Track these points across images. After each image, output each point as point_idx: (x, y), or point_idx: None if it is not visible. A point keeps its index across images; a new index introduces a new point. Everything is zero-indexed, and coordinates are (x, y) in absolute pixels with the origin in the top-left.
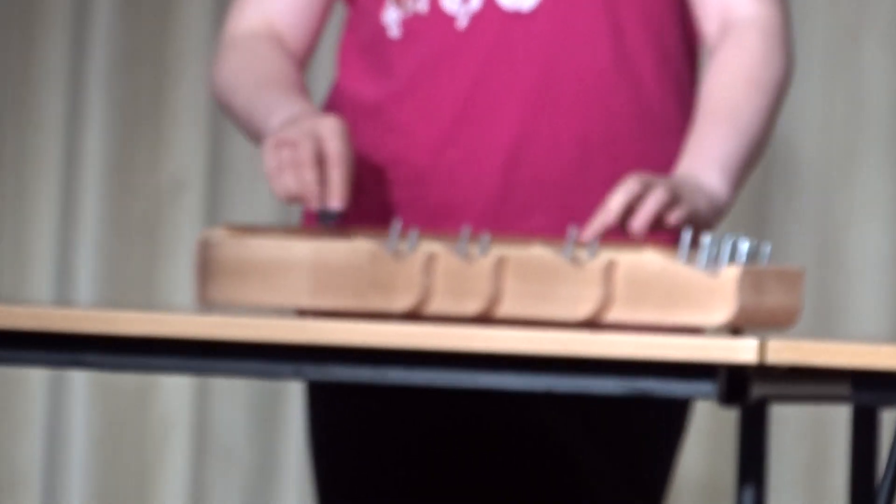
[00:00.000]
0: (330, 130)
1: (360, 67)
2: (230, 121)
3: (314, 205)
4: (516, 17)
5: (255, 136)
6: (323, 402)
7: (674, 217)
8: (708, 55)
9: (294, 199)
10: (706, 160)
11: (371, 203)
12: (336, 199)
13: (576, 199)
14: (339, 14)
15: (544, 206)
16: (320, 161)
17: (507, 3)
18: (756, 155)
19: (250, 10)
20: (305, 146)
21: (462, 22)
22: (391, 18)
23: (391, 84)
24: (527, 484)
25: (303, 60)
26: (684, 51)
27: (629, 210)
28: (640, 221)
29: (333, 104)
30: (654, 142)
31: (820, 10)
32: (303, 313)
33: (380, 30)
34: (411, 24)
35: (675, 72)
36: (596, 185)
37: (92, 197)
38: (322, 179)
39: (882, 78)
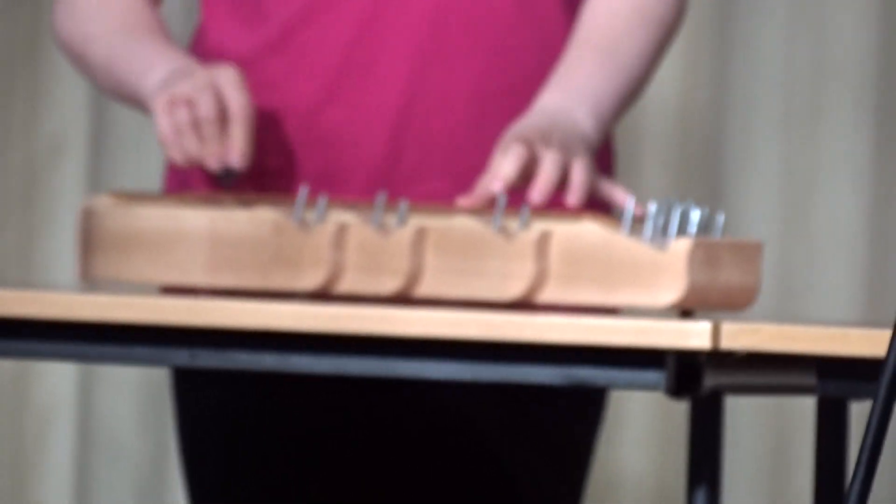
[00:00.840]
0: (229, 81)
1: (227, 14)
2: (83, 74)
3: (214, 165)
4: None
5: (126, 92)
6: (191, 388)
7: (577, 181)
8: None
9: (193, 162)
10: (578, 96)
11: (266, 172)
12: (237, 156)
13: (473, 159)
14: None
15: (438, 169)
16: (221, 117)
17: None
18: (631, 98)
19: None
20: (205, 101)
21: None
22: None
23: (263, 33)
24: (434, 476)
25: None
26: None
27: (523, 176)
28: (540, 193)
29: (195, 57)
30: None
31: None
32: (198, 292)
33: None
34: None
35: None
36: (494, 142)
37: None
38: (222, 137)
39: (846, 34)
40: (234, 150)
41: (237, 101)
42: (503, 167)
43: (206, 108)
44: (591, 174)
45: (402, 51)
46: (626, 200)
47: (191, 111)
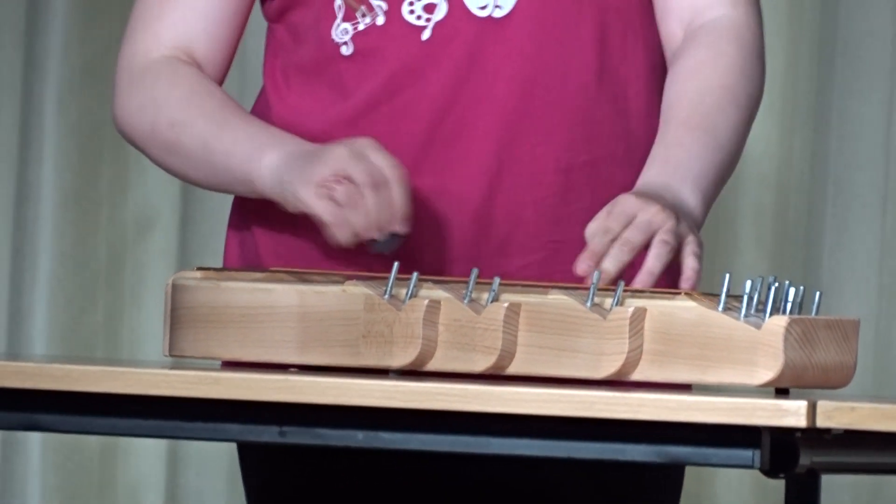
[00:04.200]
0: (371, 148)
1: (302, 92)
2: (167, 164)
3: (378, 235)
4: (489, 23)
5: (231, 179)
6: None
7: (690, 269)
8: (672, 57)
9: (360, 239)
10: (683, 175)
11: (326, 246)
12: (403, 220)
13: (561, 232)
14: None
15: (527, 244)
16: (376, 184)
17: (478, 7)
18: (727, 176)
19: (164, 32)
20: (359, 171)
21: (427, 32)
22: (341, 33)
23: (344, 108)
24: None
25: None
26: (661, 60)
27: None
28: (643, 284)
29: None
30: (639, 167)
31: None
32: (287, 368)
33: (327, 47)
34: (366, 38)
35: (658, 84)
36: (580, 216)
37: (46, 234)
38: (381, 204)
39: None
40: (398, 214)
41: (388, 164)
42: (607, 262)
43: (360, 176)
44: (701, 258)
45: (489, 123)
46: (687, 280)
47: (347, 187)
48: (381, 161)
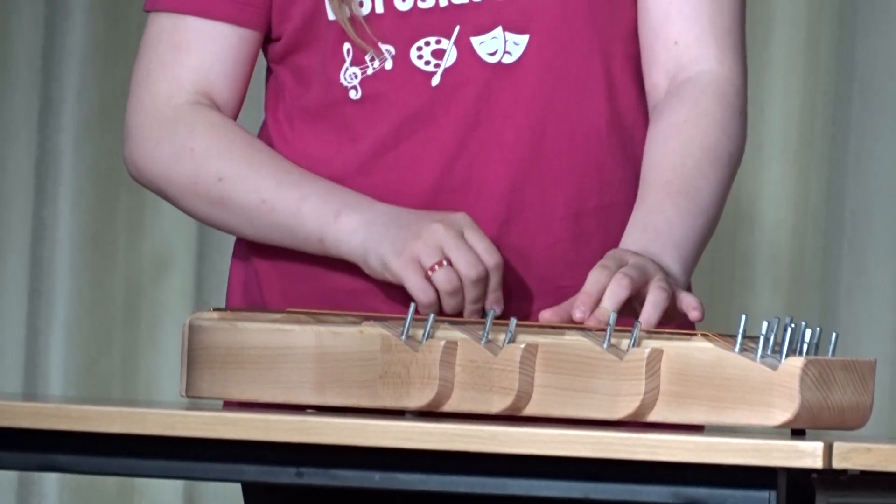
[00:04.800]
0: (471, 229)
1: (309, 135)
2: (205, 212)
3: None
4: (499, 69)
5: (294, 235)
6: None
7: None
8: (654, 109)
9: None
10: (664, 243)
11: (336, 290)
12: (499, 305)
13: (572, 277)
14: None
15: (537, 288)
16: (479, 279)
17: (488, 53)
18: (708, 238)
19: (183, 76)
20: (468, 262)
21: (436, 77)
22: (349, 77)
23: (353, 153)
24: None
25: None
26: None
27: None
28: (650, 320)
29: None
30: None
31: None
32: (304, 408)
33: (335, 91)
34: (375, 82)
35: None
36: (590, 262)
37: (63, 275)
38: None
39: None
40: (495, 301)
41: (487, 249)
42: (606, 300)
43: (470, 268)
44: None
45: (499, 169)
46: (694, 309)
47: (452, 276)
48: (481, 245)
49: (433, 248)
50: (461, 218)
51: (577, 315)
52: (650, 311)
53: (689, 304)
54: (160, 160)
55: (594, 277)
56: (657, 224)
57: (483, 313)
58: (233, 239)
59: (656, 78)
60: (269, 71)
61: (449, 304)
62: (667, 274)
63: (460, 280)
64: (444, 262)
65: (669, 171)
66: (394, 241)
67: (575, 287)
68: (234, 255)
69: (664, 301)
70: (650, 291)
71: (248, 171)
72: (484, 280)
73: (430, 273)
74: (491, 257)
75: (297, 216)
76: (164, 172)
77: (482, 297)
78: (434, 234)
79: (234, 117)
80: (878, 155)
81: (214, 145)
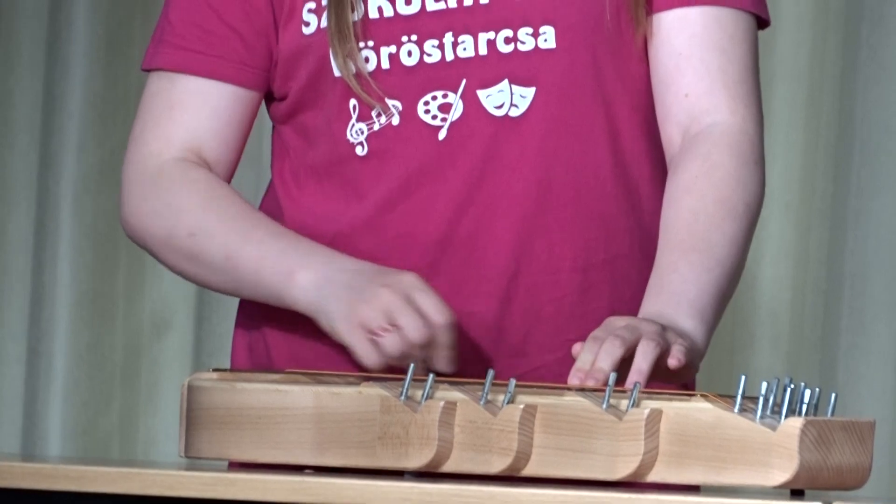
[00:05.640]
0: (419, 291)
1: (315, 193)
2: (184, 270)
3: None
4: (506, 122)
5: (262, 294)
6: None
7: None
8: (670, 163)
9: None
10: (679, 302)
11: (341, 347)
12: (447, 368)
13: (579, 332)
14: None
15: (544, 343)
16: (428, 343)
17: (495, 107)
18: (730, 290)
19: (174, 133)
20: (413, 327)
21: (443, 132)
22: (356, 133)
23: (360, 209)
24: None
25: None
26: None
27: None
28: (636, 378)
29: None
30: (651, 262)
31: None
32: (303, 469)
33: (341, 148)
34: (381, 138)
35: (664, 184)
36: (599, 315)
37: (62, 334)
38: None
39: None
40: (444, 360)
41: (436, 309)
42: (601, 360)
43: (414, 332)
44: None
45: (507, 222)
46: (673, 357)
47: (399, 340)
48: (429, 306)
49: (379, 313)
50: (410, 280)
51: (571, 382)
52: (639, 360)
53: (672, 352)
54: (143, 215)
55: (585, 353)
56: (671, 284)
57: (429, 371)
58: (231, 301)
59: (670, 132)
60: (273, 130)
61: (398, 365)
62: (673, 331)
63: (408, 344)
64: (392, 327)
65: (684, 230)
66: (342, 303)
67: (583, 340)
68: (238, 321)
69: (652, 351)
70: (639, 344)
71: (217, 226)
72: (431, 342)
73: (375, 338)
74: (440, 316)
75: (257, 273)
76: (146, 227)
77: (431, 357)
78: (381, 298)
79: (229, 175)
80: (877, 213)
81: (191, 201)
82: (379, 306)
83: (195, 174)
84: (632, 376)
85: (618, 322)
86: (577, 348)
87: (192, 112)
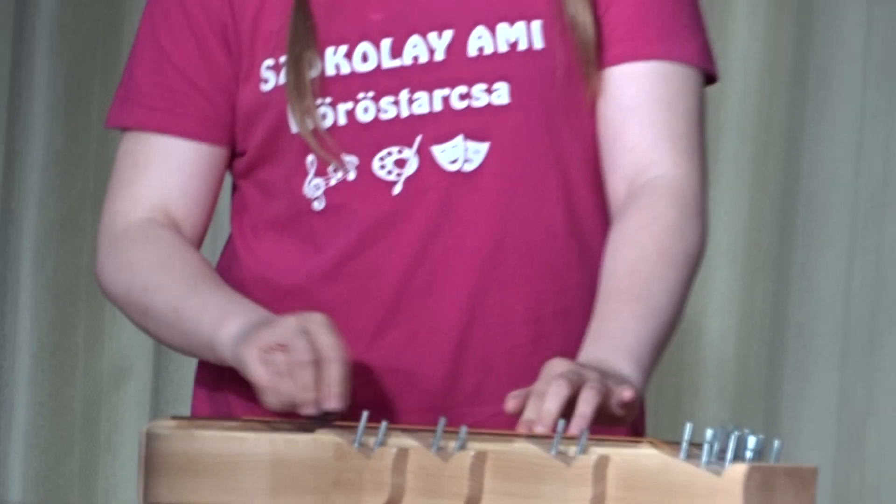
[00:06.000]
0: (319, 325)
1: (273, 246)
2: (141, 324)
3: (311, 411)
4: (459, 177)
5: (198, 344)
6: None
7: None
8: (615, 213)
9: (290, 408)
10: (616, 347)
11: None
12: (335, 400)
13: (530, 382)
14: None
15: (496, 392)
16: (317, 362)
17: (449, 161)
18: (668, 337)
19: (141, 193)
20: (301, 347)
21: (398, 186)
22: (313, 189)
23: (317, 263)
24: None
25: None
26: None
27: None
28: (580, 422)
29: (231, 286)
30: None
31: None
32: None
33: (299, 203)
34: (338, 193)
35: None
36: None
37: (22, 384)
38: (319, 380)
39: None
40: (332, 395)
41: (330, 344)
42: (547, 403)
43: (301, 352)
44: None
45: (460, 275)
46: (625, 390)
47: (287, 356)
48: (326, 340)
49: (276, 336)
50: (316, 316)
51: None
52: (582, 406)
53: (621, 389)
54: (108, 273)
55: (529, 410)
56: (611, 331)
57: (327, 416)
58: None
59: (615, 184)
60: (233, 185)
61: (287, 392)
62: (614, 377)
63: (295, 361)
64: (282, 347)
65: (626, 279)
66: (250, 335)
67: None
68: (197, 378)
69: (594, 397)
70: (582, 390)
71: (168, 281)
72: (315, 366)
73: (266, 356)
74: (331, 351)
75: (197, 323)
76: (111, 283)
77: (322, 391)
78: (281, 325)
79: (200, 230)
80: (822, 266)
81: (147, 258)
82: (279, 331)
83: (156, 233)
84: (576, 421)
85: (558, 367)
86: (510, 404)
87: (157, 171)
